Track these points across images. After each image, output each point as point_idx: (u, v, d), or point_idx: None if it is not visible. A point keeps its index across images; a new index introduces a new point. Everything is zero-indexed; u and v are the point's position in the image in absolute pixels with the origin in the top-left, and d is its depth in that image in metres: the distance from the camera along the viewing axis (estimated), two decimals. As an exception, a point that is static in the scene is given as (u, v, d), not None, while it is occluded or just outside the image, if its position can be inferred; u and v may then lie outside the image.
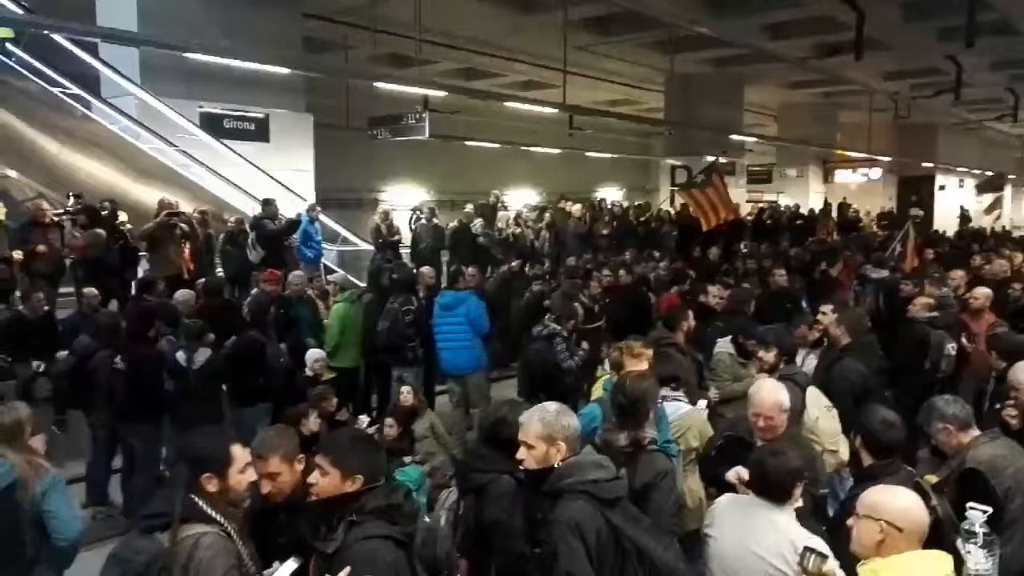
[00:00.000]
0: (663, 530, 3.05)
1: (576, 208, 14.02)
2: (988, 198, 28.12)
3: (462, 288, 7.42)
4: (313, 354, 6.58)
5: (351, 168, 17.66)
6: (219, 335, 6.11)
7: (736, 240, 14.41)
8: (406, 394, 6.23)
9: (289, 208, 10.66)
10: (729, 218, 13.15)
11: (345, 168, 16.91)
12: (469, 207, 11.94)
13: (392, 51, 15.27)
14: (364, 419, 6.27)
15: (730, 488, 3.39)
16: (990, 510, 2.83)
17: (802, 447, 3.68)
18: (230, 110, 11.49)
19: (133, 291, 8.27)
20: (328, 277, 8.58)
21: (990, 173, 28.09)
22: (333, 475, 2.49)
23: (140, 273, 8.67)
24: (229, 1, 10.94)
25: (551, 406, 2.89)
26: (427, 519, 2.65)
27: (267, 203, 9.97)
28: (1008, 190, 34.24)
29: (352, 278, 10.35)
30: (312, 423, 4.88)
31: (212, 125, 11.25)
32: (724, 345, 5.58)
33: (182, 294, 6.51)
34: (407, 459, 5.88)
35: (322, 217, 10.88)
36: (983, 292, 6.94)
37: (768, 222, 16.89)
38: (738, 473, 3.37)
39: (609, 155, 24.65)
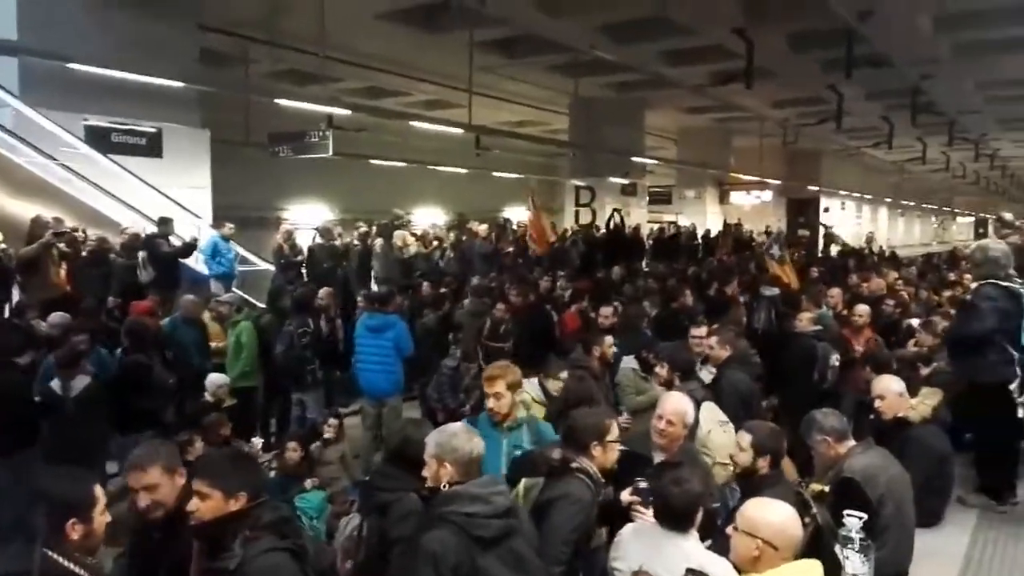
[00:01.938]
0: (550, 557, 3.00)
1: (482, 228, 14.09)
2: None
3: (391, 311, 7.25)
4: (215, 379, 6.33)
5: (253, 186, 17.10)
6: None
7: (638, 259, 14.83)
8: (333, 428, 6.15)
9: (186, 227, 10.22)
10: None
11: (247, 186, 16.34)
12: (361, 227, 11.75)
13: (295, 67, 14.96)
14: (257, 442, 6.08)
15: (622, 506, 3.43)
16: (865, 517, 3.00)
17: (696, 463, 3.79)
18: (118, 123, 10.90)
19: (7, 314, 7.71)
20: (220, 297, 8.24)
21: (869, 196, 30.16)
22: (215, 497, 2.48)
23: (16, 296, 8.08)
24: (119, 10, 10.40)
25: (450, 427, 2.95)
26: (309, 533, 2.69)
27: (163, 222, 9.52)
28: (883, 211, 36.83)
29: (251, 299, 9.99)
30: (198, 449, 4.67)
31: (98, 139, 10.62)
32: (629, 361, 5.83)
33: (56, 317, 6.09)
34: (308, 483, 5.74)
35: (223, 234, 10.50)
36: (863, 310, 7.39)
37: (673, 241, 17.46)
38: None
39: (515, 175, 24.91)
